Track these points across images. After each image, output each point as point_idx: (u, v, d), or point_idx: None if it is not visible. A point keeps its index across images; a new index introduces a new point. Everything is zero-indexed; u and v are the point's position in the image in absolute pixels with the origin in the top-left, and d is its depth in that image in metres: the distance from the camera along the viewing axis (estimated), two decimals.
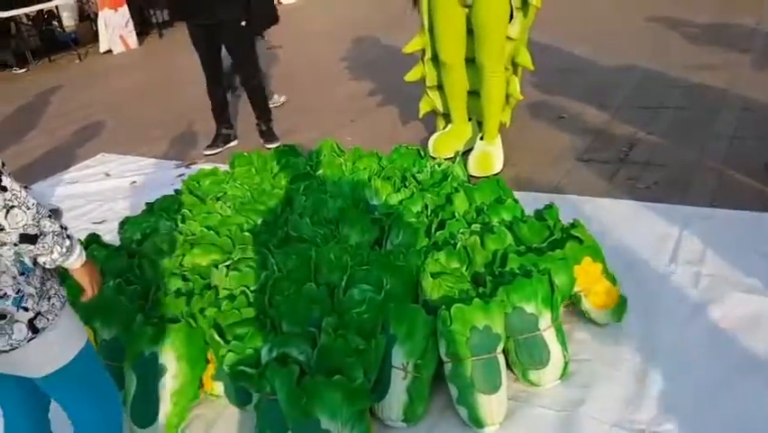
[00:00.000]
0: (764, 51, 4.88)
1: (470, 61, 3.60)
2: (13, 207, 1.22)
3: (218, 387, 2.04)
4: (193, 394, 1.99)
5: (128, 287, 2.22)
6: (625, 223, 2.86)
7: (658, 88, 4.43)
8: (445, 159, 3.24)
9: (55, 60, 9.05)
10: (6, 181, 1.22)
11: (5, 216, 1.21)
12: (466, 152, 3.68)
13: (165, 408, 1.94)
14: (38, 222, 1.26)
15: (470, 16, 3.43)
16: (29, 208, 1.25)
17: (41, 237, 1.27)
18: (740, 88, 4.17)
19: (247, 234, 2.50)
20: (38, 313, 1.31)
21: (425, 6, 3.55)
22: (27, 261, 1.31)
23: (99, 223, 3.51)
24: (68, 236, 1.35)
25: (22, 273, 1.30)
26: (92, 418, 1.44)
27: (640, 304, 2.32)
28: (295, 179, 3.06)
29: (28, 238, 1.25)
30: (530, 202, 2.75)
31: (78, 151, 4.98)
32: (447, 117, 3.92)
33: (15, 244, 1.25)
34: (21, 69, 8.81)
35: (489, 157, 3.57)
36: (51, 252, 1.29)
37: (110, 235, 3.02)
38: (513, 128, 4.01)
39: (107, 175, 4.32)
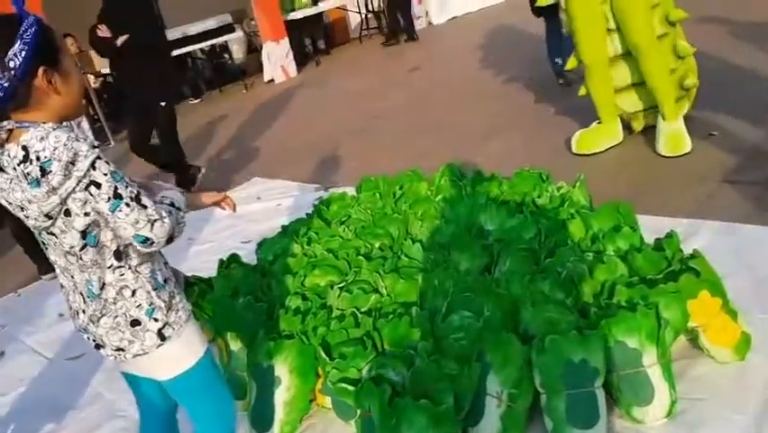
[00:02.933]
0: None
1: (627, 55, 3.78)
2: (155, 220, 1.45)
3: (328, 401, 2.21)
4: (304, 406, 2.18)
5: (256, 304, 2.48)
6: (766, 251, 2.63)
7: None
8: (568, 183, 3.19)
9: (224, 90, 10.04)
10: (146, 200, 1.45)
11: (151, 230, 1.44)
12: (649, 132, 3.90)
13: (279, 416, 2.15)
14: (176, 225, 1.50)
15: (612, 8, 3.62)
16: (166, 218, 1.47)
17: (176, 229, 1.52)
18: None
19: (362, 257, 2.66)
20: (166, 323, 1.53)
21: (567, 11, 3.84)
22: (159, 278, 1.55)
23: (247, 242, 3.89)
24: (178, 207, 1.58)
25: (155, 289, 1.53)
26: (208, 421, 1.66)
27: None
28: (414, 204, 3.18)
29: (170, 240, 1.50)
30: (665, 227, 2.63)
31: (237, 175, 5.53)
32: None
33: (163, 246, 1.50)
34: (195, 99, 9.90)
35: (677, 136, 3.71)
36: (181, 231, 1.53)
37: (252, 255, 3.35)
38: (653, 146, 3.85)
39: (258, 198, 4.76)
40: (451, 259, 2.58)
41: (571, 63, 4.16)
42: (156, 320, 1.52)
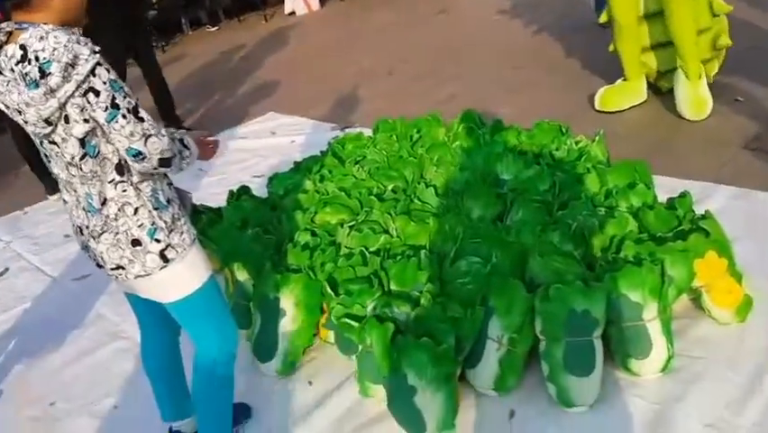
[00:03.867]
0: None
1: (659, 14, 3.72)
2: (150, 135, 1.43)
3: (331, 335, 2.26)
4: (307, 339, 2.24)
5: (265, 236, 2.51)
6: None
7: None
8: (587, 138, 3.15)
9: (243, 20, 9.85)
10: (143, 113, 1.43)
11: (145, 144, 1.42)
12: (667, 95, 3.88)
13: (282, 347, 2.20)
14: (171, 146, 1.48)
15: None
16: (163, 135, 1.46)
17: (174, 159, 1.50)
18: None
19: (374, 198, 2.67)
20: (168, 245, 1.53)
21: None
22: (161, 198, 1.54)
23: (258, 177, 3.90)
24: (187, 146, 1.58)
25: (156, 208, 1.52)
26: (209, 345, 1.69)
27: None
28: (431, 149, 3.17)
29: (165, 162, 1.47)
30: (679, 188, 2.61)
31: (252, 108, 5.49)
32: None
33: (155, 168, 1.47)
34: (213, 26, 9.74)
35: (700, 99, 3.65)
36: (180, 168, 1.53)
37: (264, 189, 3.36)
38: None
39: (273, 133, 4.74)
40: (464, 205, 2.58)
41: (603, 17, 4.10)
42: (158, 241, 1.51)
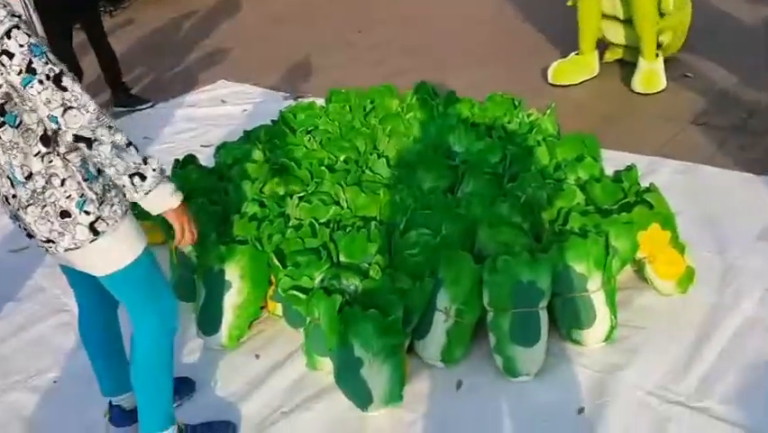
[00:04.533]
0: None
1: None
2: (71, 107, 1.34)
3: (278, 308, 2.23)
4: (254, 311, 2.20)
5: (211, 207, 2.44)
6: (721, 193, 2.69)
7: None
8: (539, 111, 3.15)
9: None
10: (67, 83, 1.34)
11: (62, 115, 1.34)
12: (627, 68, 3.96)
13: (228, 320, 2.16)
14: (94, 128, 1.37)
15: None
16: (88, 112, 1.36)
17: (96, 143, 1.38)
18: None
19: (325, 168, 2.62)
20: (98, 217, 1.46)
21: None
22: (91, 168, 1.46)
23: (207, 146, 3.78)
24: (158, 171, 1.45)
25: (86, 179, 1.45)
26: (147, 319, 1.63)
27: (714, 278, 2.22)
28: (384, 120, 3.12)
29: (83, 140, 1.37)
30: (627, 162, 2.64)
31: (203, 75, 5.32)
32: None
33: (72, 143, 1.38)
34: None
35: (654, 74, 3.77)
36: (112, 165, 1.40)
37: (212, 159, 3.26)
38: (627, 83, 3.84)
39: (223, 102, 4.61)
40: (415, 177, 2.56)
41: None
42: (87, 213, 1.45)
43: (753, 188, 2.69)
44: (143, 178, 1.44)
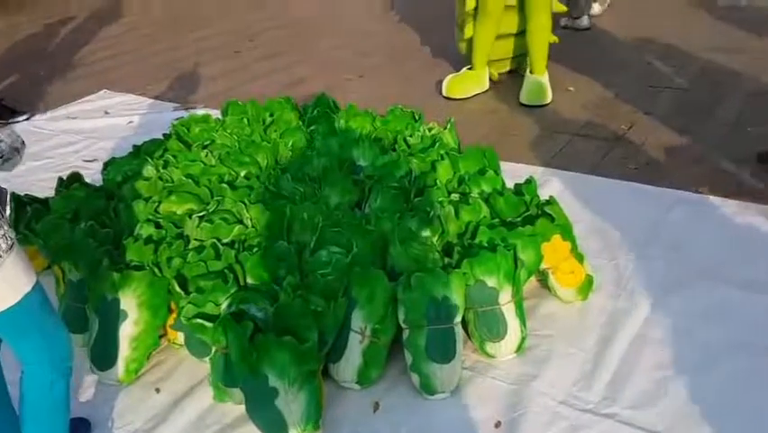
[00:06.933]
0: None
1: (512, 7, 3.94)
2: None
3: (180, 337, 2.08)
4: (152, 341, 2.04)
5: (101, 230, 2.25)
6: (610, 202, 2.84)
7: (669, 67, 4.32)
8: (439, 125, 3.20)
9: None
10: None
11: None
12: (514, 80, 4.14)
13: (124, 353, 1.98)
14: None
15: None
16: None
17: None
18: (749, 75, 4.06)
19: (225, 185, 2.51)
20: None
21: None
22: None
23: (90, 161, 3.52)
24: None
25: None
26: (37, 359, 1.47)
27: (611, 285, 2.34)
28: (285, 134, 3.04)
29: None
30: (523, 174, 2.73)
31: (83, 84, 4.95)
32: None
33: None
34: None
35: (542, 87, 3.93)
36: None
37: (98, 175, 3.04)
38: (516, 97, 3.99)
39: (106, 113, 4.31)
40: (321, 193, 2.51)
41: (470, 3, 4.13)
42: None
43: (637, 196, 2.87)
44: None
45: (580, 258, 2.26)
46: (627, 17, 5.47)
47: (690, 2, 5.79)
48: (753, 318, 2.12)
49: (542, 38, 3.92)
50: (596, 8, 5.66)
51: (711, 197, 2.80)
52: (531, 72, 3.98)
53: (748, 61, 4.25)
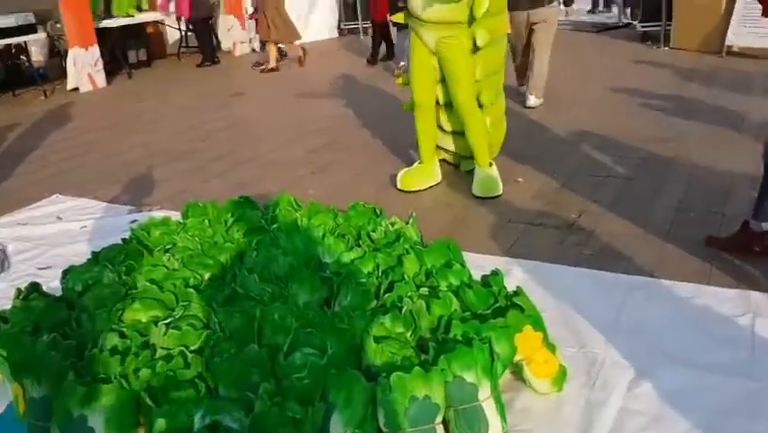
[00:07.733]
0: (713, 125, 5.12)
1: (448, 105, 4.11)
2: None
3: None
4: None
5: (64, 342, 2.16)
6: (570, 289, 2.91)
7: (609, 157, 4.60)
8: (400, 219, 3.27)
9: (19, 95, 8.92)
10: None
11: None
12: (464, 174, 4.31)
13: None
14: None
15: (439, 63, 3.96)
16: None
17: None
18: (687, 161, 4.36)
19: (191, 289, 2.46)
20: None
21: None
22: None
23: (44, 269, 3.41)
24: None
25: None
26: None
27: (582, 373, 2.35)
28: (248, 233, 3.04)
29: None
30: (485, 264, 2.79)
31: (33, 190, 4.87)
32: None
33: None
34: None
35: (492, 180, 4.10)
36: None
37: (55, 283, 2.94)
38: (468, 188, 4.14)
39: (59, 218, 4.22)
40: (289, 292, 2.49)
41: (402, 80, 4.40)
42: None
43: (597, 282, 2.96)
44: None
45: (552, 348, 2.29)
46: (562, 110, 5.87)
47: (615, 94, 6.29)
48: (721, 403, 2.15)
49: (477, 135, 4.08)
50: (532, 100, 6.06)
51: (664, 280, 2.91)
52: (478, 166, 4.16)
53: (680, 148, 4.57)
